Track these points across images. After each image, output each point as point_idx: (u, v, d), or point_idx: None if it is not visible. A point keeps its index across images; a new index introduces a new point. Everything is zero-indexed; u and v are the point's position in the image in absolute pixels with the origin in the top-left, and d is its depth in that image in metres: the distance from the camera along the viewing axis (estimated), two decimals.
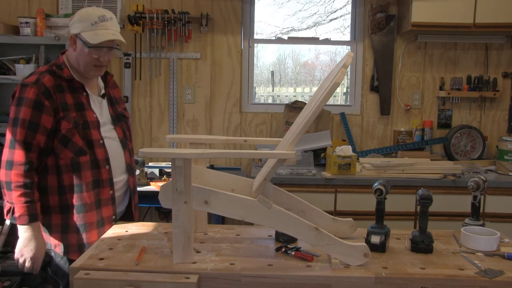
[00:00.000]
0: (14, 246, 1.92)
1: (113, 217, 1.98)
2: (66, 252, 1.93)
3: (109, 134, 2.00)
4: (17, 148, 1.81)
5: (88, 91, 1.97)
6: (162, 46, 3.65)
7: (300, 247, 1.60)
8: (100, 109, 2.01)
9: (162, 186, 1.50)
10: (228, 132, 3.78)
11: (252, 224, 1.58)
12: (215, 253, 1.58)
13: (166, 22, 3.55)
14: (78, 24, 1.88)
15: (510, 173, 3.24)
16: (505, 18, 3.30)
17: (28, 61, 3.32)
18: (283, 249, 1.60)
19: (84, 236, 1.92)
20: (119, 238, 1.72)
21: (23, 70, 3.23)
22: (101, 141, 1.94)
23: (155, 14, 3.52)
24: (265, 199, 1.48)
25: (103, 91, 2.06)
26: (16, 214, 1.81)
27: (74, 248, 1.92)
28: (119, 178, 2.02)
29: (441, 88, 3.74)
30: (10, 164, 1.81)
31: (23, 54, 3.36)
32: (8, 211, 1.83)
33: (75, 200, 1.90)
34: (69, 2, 3.53)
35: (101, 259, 1.51)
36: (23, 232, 1.84)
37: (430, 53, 3.73)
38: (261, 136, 3.78)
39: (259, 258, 1.56)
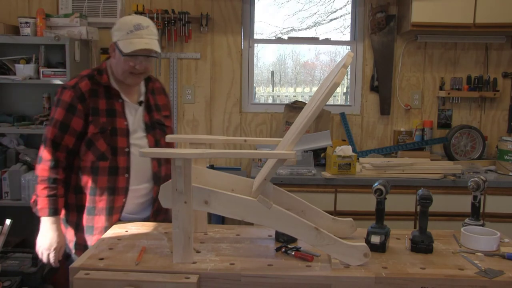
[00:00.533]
0: (13, 246, 1.93)
1: None
2: (75, 249, 2.00)
3: (138, 142, 2.00)
4: (47, 146, 1.92)
5: (125, 98, 2.00)
6: (162, 46, 3.64)
7: (300, 247, 1.60)
8: (135, 116, 2.02)
9: (162, 186, 1.50)
10: (228, 132, 3.78)
11: (252, 224, 1.58)
12: (215, 253, 1.58)
13: (166, 22, 3.55)
14: (116, 32, 1.93)
15: (510, 173, 3.24)
16: (505, 18, 3.30)
17: (28, 61, 3.32)
18: (283, 249, 1.60)
19: (89, 238, 1.96)
20: (119, 238, 1.72)
21: (23, 70, 3.23)
22: (126, 149, 1.96)
23: (155, 14, 3.52)
24: (265, 199, 1.48)
25: (141, 98, 2.05)
26: (39, 206, 1.91)
27: (80, 247, 1.99)
28: (140, 186, 2.00)
29: (441, 88, 3.74)
30: (40, 159, 1.93)
31: (23, 54, 3.36)
32: (33, 203, 1.94)
33: (88, 202, 1.96)
34: (69, 2, 3.53)
35: (101, 259, 1.51)
36: (43, 224, 1.93)
37: (430, 53, 3.73)
38: (261, 136, 3.78)
39: (259, 258, 1.56)
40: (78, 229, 1.99)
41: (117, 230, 1.83)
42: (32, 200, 1.94)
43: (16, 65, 3.27)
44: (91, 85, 1.95)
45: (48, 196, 1.90)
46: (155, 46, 1.93)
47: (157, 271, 1.42)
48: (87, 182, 1.94)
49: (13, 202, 3.25)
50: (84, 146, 1.93)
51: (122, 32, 1.90)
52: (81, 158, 1.95)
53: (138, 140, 2.00)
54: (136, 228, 1.86)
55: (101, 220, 1.95)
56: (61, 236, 1.95)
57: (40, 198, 1.90)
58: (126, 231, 1.82)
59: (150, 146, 2.01)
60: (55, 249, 1.92)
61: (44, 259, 1.94)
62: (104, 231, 1.93)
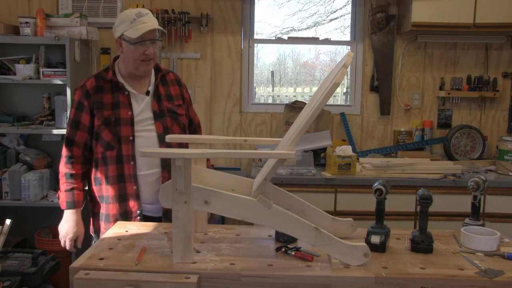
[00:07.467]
0: (13, 246, 1.94)
1: (138, 211, 2.08)
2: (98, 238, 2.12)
3: (146, 129, 2.10)
4: (64, 144, 2.10)
5: (131, 90, 2.10)
6: (162, 46, 3.64)
7: (300, 247, 1.60)
8: (142, 106, 2.11)
9: (162, 186, 1.50)
10: (228, 132, 3.78)
11: (252, 224, 1.58)
12: (215, 253, 1.58)
13: (166, 22, 3.55)
14: (119, 27, 2.04)
15: (510, 173, 3.24)
16: (505, 18, 3.30)
17: (28, 61, 3.32)
18: (283, 249, 1.60)
19: (107, 226, 2.06)
20: (119, 238, 1.72)
21: (23, 70, 3.23)
22: (130, 138, 2.06)
23: (155, 14, 3.51)
24: (265, 199, 1.47)
25: (148, 89, 2.14)
26: (60, 200, 2.11)
27: (101, 235, 2.07)
28: (148, 171, 2.09)
29: (441, 88, 3.74)
30: (61, 157, 2.11)
31: (23, 54, 3.36)
32: (57, 196, 2.14)
33: (103, 191, 2.09)
34: (69, 2, 3.52)
35: (101, 259, 1.51)
36: (64, 215, 2.10)
37: (430, 53, 3.73)
38: (261, 136, 3.78)
39: (259, 258, 1.56)
40: (97, 218, 2.14)
41: (117, 230, 1.83)
42: (57, 194, 2.14)
43: (16, 65, 3.27)
44: (96, 82, 2.09)
45: (66, 190, 2.07)
46: (159, 26, 2.05)
47: (157, 271, 1.42)
48: (101, 172, 2.07)
49: (13, 202, 3.25)
50: (93, 139, 2.07)
51: (125, 23, 2.01)
52: (94, 150, 2.08)
53: (146, 127, 2.10)
54: (136, 228, 1.86)
55: (114, 207, 2.07)
56: (78, 226, 2.09)
57: (60, 192, 2.09)
58: (126, 231, 1.82)
59: (158, 133, 2.10)
60: (69, 238, 2.08)
61: (62, 245, 2.12)
62: (119, 217, 2.06)
